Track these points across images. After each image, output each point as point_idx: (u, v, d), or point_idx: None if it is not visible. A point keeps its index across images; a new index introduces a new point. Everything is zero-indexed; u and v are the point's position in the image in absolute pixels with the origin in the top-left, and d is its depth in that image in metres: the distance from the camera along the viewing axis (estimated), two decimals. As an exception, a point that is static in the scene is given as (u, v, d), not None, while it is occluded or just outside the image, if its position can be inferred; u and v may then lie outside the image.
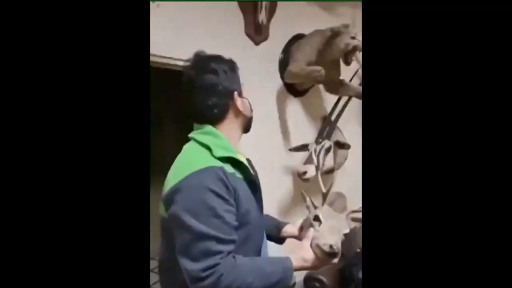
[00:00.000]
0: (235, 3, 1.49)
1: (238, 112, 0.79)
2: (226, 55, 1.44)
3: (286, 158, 1.56)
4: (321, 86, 1.63)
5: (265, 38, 1.58)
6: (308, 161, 1.42)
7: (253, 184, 0.78)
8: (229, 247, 0.65)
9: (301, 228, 0.90)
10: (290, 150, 1.51)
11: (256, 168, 1.50)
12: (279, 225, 0.96)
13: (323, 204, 0.88)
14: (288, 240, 0.93)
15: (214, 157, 0.68)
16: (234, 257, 0.66)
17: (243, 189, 0.73)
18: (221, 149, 0.70)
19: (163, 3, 1.31)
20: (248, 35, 1.53)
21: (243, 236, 0.70)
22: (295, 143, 1.54)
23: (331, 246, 0.73)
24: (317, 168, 0.92)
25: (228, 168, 0.70)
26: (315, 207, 0.87)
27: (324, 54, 1.43)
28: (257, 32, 1.55)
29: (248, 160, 0.88)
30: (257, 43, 1.56)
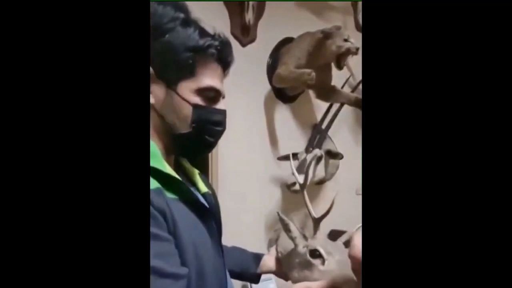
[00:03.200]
0: (221, 2, 1.40)
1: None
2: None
3: (274, 168, 1.44)
4: (311, 92, 1.54)
5: (253, 40, 1.49)
6: (298, 171, 1.31)
7: (199, 208, 0.53)
8: None
9: (279, 262, 0.71)
10: (279, 159, 1.40)
11: (242, 178, 1.39)
12: (256, 259, 0.75)
13: (315, 232, 0.67)
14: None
15: None
16: None
17: (182, 215, 0.48)
18: None
19: None
20: (234, 35, 1.44)
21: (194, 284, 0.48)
22: (283, 151, 1.43)
23: None
24: (303, 184, 0.72)
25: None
26: (305, 237, 0.67)
27: (315, 57, 1.34)
28: (244, 33, 1.46)
29: (199, 173, 0.66)
30: (244, 44, 1.47)
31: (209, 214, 0.55)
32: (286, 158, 1.37)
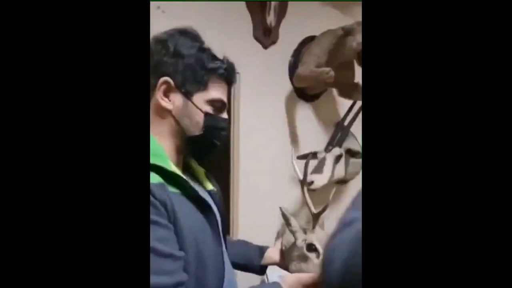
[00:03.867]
0: (243, 4, 1.44)
1: (162, 109, 0.58)
2: (233, 59, 1.41)
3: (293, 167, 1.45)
4: (334, 90, 1.52)
5: (274, 41, 1.51)
6: (316, 170, 1.31)
7: (203, 206, 0.59)
8: None
9: (283, 255, 0.74)
10: (298, 158, 1.41)
11: (262, 177, 1.44)
12: (260, 252, 0.79)
13: (314, 226, 0.70)
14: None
15: None
16: None
17: (183, 207, 0.55)
18: None
19: (168, 9, 1.31)
20: (256, 38, 1.48)
21: (194, 276, 0.53)
22: (304, 150, 1.44)
23: None
24: (303, 181, 0.74)
25: (152, 178, 0.51)
26: (305, 232, 0.70)
27: (335, 55, 1.33)
28: (266, 35, 1.50)
29: (205, 173, 0.73)
30: (265, 46, 1.50)
31: (209, 207, 0.61)
32: (305, 157, 1.38)
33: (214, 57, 0.62)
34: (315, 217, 0.72)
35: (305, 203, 0.77)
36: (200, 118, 0.60)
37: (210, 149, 0.65)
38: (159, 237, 0.49)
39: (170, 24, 1.33)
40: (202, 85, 0.60)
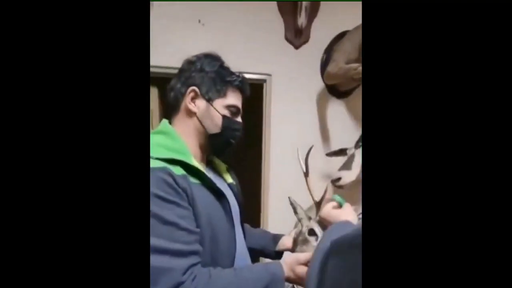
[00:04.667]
0: (275, 5, 1.50)
1: (189, 112, 0.73)
2: (265, 61, 1.48)
3: (323, 163, 1.47)
4: (368, 86, 1.49)
5: (306, 41, 1.54)
6: (345, 166, 1.31)
7: (219, 195, 0.70)
8: (191, 260, 0.58)
9: (295, 242, 0.82)
10: (327, 154, 1.42)
11: (293, 173, 1.47)
12: (275, 239, 0.89)
13: (316, 214, 0.77)
14: None
15: (154, 157, 0.62)
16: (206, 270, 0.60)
17: (202, 195, 0.65)
18: (163, 149, 0.64)
19: (206, 21, 1.44)
20: (287, 39, 1.53)
21: (208, 251, 0.64)
22: (335, 147, 1.45)
23: None
24: (306, 172, 0.81)
25: (177, 170, 0.63)
26: (309, 219, 0.78)
27: (365, 50, 1.31)
28: (297, 35, 1.53)
29: (227, 168, 0.86)
30: (297, 47, 1.54)
31: (224, 197, 0.72)
32: (335, 154, 1.39)
33: (231, 73, 0.77)
34: (317, 205, 0.77)
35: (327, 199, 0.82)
36: (219, 119, 0.74)
37: (226, 146, 0.78)
38: (180, 215, 0.60)
39: (209, 34, 1.45)
40: (222, 93, 0.74)
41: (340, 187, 1.27)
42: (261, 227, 1.43)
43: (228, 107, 0.75)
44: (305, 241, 0.72)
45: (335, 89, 1.50)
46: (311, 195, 0.79)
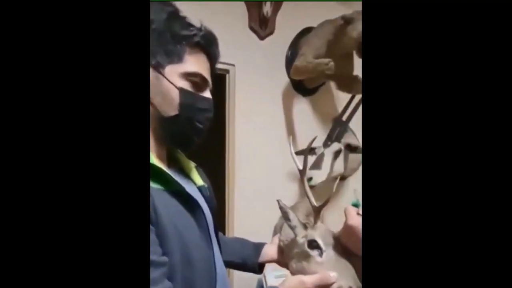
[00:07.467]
0: (238, -6, 1.39)
1: None
2: (228, 50, 1.35)
3: (291, 163, 1.40)
4: (332, 84, 1.47)
5: (271, 32, 1.46)
6: (315, 166, 1.26)
7: (191, 203, 0.52)
8: None
9: (281, 251, 0.68)
10: (296, 153, 1.36)
11: (260, 173, 1.38)
12: (257, 249, 0.74)
13: (315, 221, 0.63)
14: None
15: None
16: None
17: (166, 204, 0.48)
18: None
19: None
20: (252, 28, 1.42)
21: (181, 280, 0.48)
22: (302, 146, 1.39)
23: None
24: (302, 172, 0.69)
25: None
26: (305, 227, 0.63)
27: (335, 46, 1.28)
28: (262, 26, 1.44)
29: (196, 167, 0.66)
30: (262, 37, 1.45)
31: (197, 204, 0.54)
32: (303, 152, 1.33)
33: (189, 24, 0.54)
34: (317, 211, 0.65)
35: (304, 196, 0.70)
36: (174, 94, 0.51)
37: (192, 134, 0.56)
38: None
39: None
40: (175, 56, 0.52)
41: (312, 187, 1.23)
42: (226, 234, 1.30)
43: (187, 75, 0.52)
44: (305, 256, 0.60)
45: (301, 86, 1.45)
46: (309, 199, 0.67)
